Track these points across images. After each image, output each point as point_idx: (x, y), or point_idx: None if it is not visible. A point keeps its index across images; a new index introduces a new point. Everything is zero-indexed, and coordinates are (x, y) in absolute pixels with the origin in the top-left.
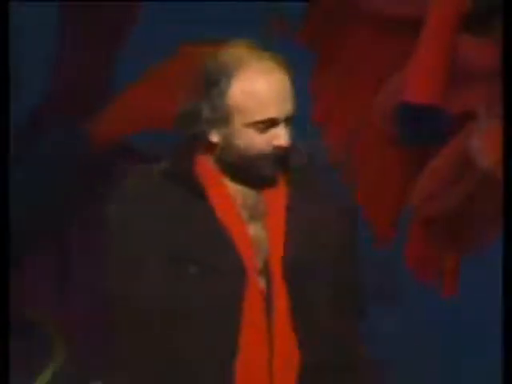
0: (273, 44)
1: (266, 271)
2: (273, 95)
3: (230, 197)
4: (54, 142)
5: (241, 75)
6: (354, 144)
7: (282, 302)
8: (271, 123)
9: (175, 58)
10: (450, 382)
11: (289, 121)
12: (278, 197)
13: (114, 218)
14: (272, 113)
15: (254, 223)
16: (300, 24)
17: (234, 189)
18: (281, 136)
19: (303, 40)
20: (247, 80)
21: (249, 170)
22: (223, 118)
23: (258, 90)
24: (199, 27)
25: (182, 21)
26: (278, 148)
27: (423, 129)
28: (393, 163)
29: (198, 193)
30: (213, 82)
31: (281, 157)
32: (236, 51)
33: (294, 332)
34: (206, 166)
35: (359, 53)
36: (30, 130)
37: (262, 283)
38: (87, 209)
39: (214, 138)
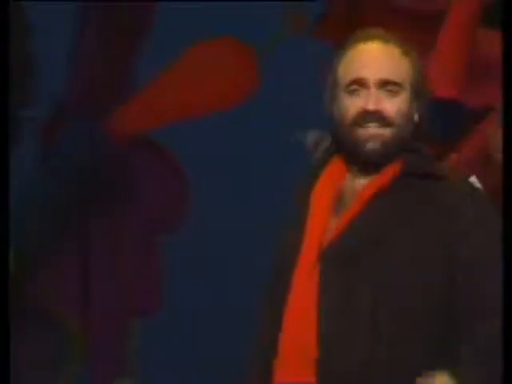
0: (291, 39)
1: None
2: (365, 59)
3: (333, 187)
4: (75, 140)
5: (347, 51)
6: None
7: (311, 291)
8: (360, 84)
9: (193, 53)
10: None
11: (383, 86)
12: (370, 190)
13: None
14: (360, 73)
15: (338, 216)
16: (319, 19)
17: (347, 178)
18: (369, 99)
19: (322, 36)
20: (349, 53)
21: (352, 146)
22: (333, 95)
23: (354, 56)
24: (216, 24)
25: (200, 17)
26: (366, 112)
27: (443, 123)
28: None
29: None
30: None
31: (376, 127)
32: (363, 33)
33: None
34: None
35: None
36: (52, 127)
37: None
38: (109, 207)
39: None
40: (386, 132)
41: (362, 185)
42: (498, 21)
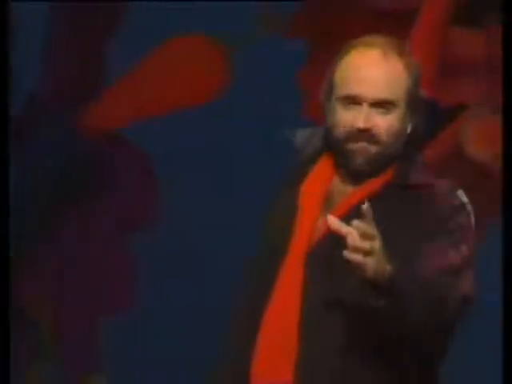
0: (262, 39)
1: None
2: (363, 75)
3: (322, 187)
4: (47, 137)
5: (348, 56)
6: None
7: (295, 291)
8: (353, 100)
9: (163, 49)
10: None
11: (377, 104)
12: (358, 194)
13: None
14: (355, 90)
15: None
16: (292, 19)
17: (334, 182)
18: (360, 117)
19: (295, 35)
20: (347, 60)
21: (340, 156)
22: (328, 98)
23: (351, 67)
24: (188, 21)
25: (172, 14)
26: (357, 129)
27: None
28: None
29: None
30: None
31: (365, 145)
32: (362, 40)
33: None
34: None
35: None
36: (22, 127)
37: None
38: (82, 205)
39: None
40: (374, 148)
41: (351, 189)
42: (471, 19)
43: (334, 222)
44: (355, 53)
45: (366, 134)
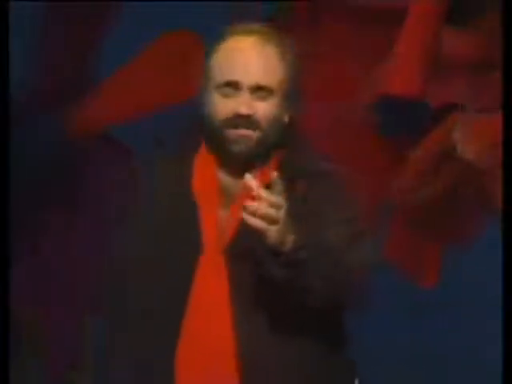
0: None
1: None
2: (242, 61)
3: (212, 181)
4: (36, 136)
5: (222, 44)
6: (335, 135)
7: (221, 286)
8: (233, 87)
9: (155, 47)
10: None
11: (256, 90)
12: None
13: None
14: (234, 76)
15: (227, 209)
16: (278, 15)
17: (221, 176)
18: (242, 103)
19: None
20: (224, 47)
21: (221, 146)
22: (204, 87)
23: (228, 54)
24: (176, 20)
25: (162, 11)
26: (238, 115)
27: (405, 120)
28: (374, 153)
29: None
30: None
31: (246, 132)
32: (239, 27)
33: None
34: (202, 150)
35: (342, 43)
36: (13, 122)
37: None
38: (68, 204)
39: (201, 110)
40: (255, 135)
41: (240, 180)
42: (460, 17)
43: (250, 180)
44: (232, 40)
45: (247, 119)
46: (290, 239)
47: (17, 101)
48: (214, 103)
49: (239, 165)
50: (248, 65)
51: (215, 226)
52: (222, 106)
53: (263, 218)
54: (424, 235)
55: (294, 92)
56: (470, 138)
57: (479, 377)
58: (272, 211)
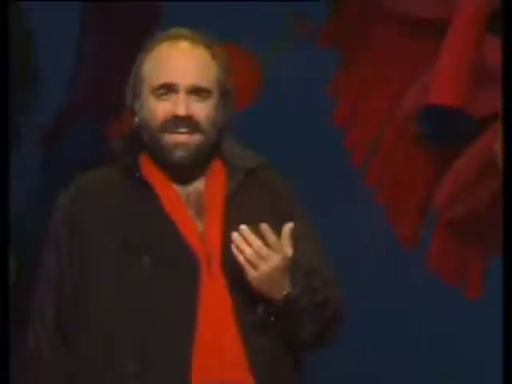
0: (294, 45)
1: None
2: (176, 63)
3: (175, 193)
4: (77, 143)
5: (153, 50)
6: (378, 145)
7: (223, 297)
8: (169, 89)
9: None
10: None
11: (193, 92)
12: (217, 191)
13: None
14: (170, 78)
15: (200, 220)
16: (323, 25)
17: (174, 187)
18: (179, 104)
19: (326, 41)
20: (156, 52)
21: (161, 154)
22: (137, 93)
23: (162, 58)
24: (221, 27)
25: (204, 21)
26: (176, 117)
27: (448, 130)
28: (417, 164)
29: (146, 188)
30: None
31: (185, 133)
32: (169, 33)
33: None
34: (147, 161)
35: (383, 54)
36: (56, 131)
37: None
38: None
39: (136, 118)
40: (196, 138)
41: (197, 188)
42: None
43: (239, 240)
44: (164, 45)
45: (186, 121)
46: (284, 292)
47: (60, 110)
48: (150, 108)
49: (183, 172)
50: (183, 66)
51: (200, 241)
52: (160, 110)
53: (255, 267)
54: (468, 246)
55: (226, 93)
56: None
57: None
58: (261, 263)
